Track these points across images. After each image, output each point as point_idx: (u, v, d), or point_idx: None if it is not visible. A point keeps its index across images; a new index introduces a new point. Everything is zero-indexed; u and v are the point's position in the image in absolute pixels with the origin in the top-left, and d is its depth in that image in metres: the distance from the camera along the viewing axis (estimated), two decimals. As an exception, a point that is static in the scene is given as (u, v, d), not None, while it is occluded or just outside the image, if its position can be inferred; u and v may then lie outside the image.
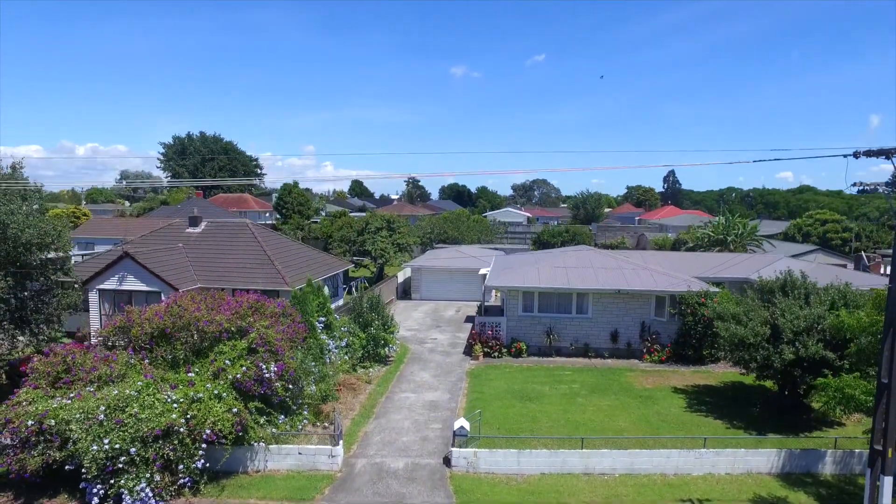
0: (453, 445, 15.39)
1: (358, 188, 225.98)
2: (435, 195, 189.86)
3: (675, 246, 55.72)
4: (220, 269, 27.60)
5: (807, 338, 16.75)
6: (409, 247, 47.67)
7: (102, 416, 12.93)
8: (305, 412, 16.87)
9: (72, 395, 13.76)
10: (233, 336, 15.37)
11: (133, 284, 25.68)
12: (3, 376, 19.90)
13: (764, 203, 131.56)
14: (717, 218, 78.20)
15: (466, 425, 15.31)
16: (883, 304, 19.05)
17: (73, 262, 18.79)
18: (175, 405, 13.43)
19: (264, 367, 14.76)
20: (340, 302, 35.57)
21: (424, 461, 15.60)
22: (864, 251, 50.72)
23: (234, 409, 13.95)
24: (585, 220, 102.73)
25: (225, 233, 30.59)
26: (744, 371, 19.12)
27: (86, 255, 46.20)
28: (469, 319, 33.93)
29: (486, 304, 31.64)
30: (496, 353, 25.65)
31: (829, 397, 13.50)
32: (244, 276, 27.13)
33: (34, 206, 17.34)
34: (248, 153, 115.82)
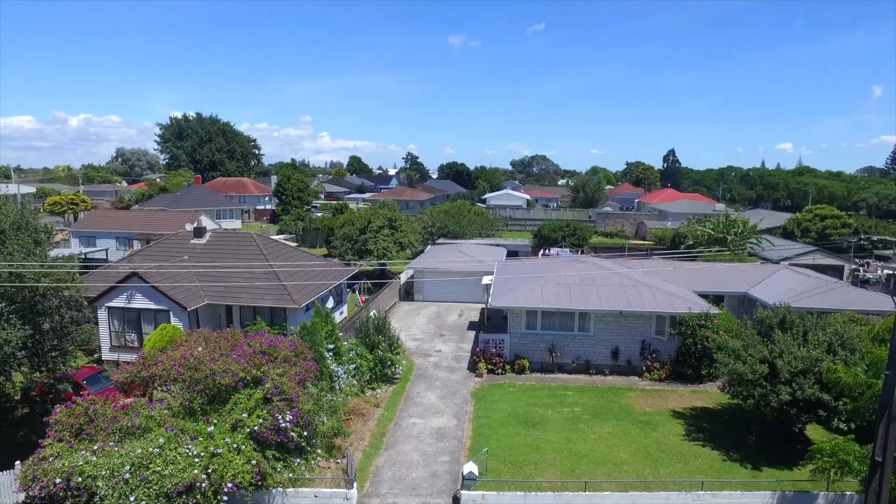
0: (462, 488, 16.04)
1: (356, 164, 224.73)
2: (434, 170, 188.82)
3: (675, 241, 56.10)
4: (228, 286, 27.90)
5: (803, 380, 17.31)
6: (412, 244, 47.96)
7: (128, 474, 13.45)
8: (319, 450, 17.48)
9: (95, 447, 14.27)
10: (248, 384, 15.84)
11: (141, 303, 26.09)
12: (22, 406, 20.45)
13: (763, 184, 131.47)
14: (717, 206, 78.47)
15: (475, 470, 15.94)
16: (879, 335, 19.59)
17: (84, 297, 19.00)
18: (196, 460, 13.97)
19: (280, 417, 15.28)
20: (345, 309, 36.11)
21: (434, 501, 16.28)
22: (859, 254, 51.23)
23: (254, 461, 14.51)
24: (585, 203, 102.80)
25: (230, 245, 30.81)
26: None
27: (88, 252, 46.45)
28: (472, 326, 34.52)
29: (488, 307, 31.93)
30: (499, 370, 26.26)
31: (823, 462, 14.08)
32: (251, 293, 27.50)
33: (49, 252, 17.50)
34: (245, 133, 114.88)
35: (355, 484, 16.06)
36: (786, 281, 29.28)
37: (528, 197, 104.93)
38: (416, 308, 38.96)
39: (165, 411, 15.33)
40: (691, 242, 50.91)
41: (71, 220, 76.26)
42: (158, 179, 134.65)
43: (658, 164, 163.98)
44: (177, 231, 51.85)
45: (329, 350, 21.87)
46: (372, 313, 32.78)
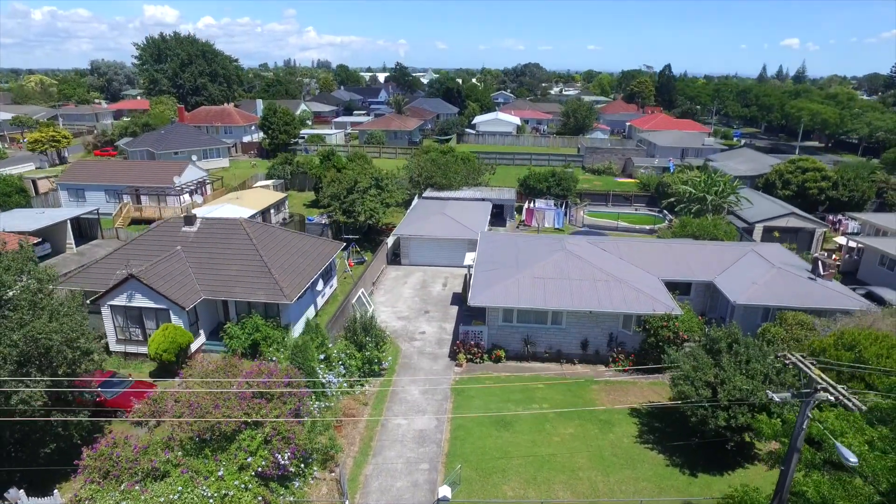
0: (440, 500, 18.82)
1: (343, 74, 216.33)
2: (424, 70, 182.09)
3: (659, 190, 57.19)
4: (222, 279, 29.37)
5: (738, 409, 19.74)
6: (399, 203, 48.90)
7: (154, 517, 15.93)
8: (315, 467, 20.09)
9: (122, 486, 16.66)
10: (249, 426, 18.02)
11: (141, 301, 27.69)
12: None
13: (758, 105, 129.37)
14: (707, 140, 78.24)
15: (448, 493, 18.64)
16: (819, 356, 21.90)
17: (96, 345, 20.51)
18: (211, 501, 16.43)
19: (280, 455, 17.62)
20: (334, 281, 37.90)
21: (415, 514, 19.17)
22: (834, 211, 52.60)
23: (260, 497, 17.02)
24: (575, 129, 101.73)
25: (220, 232, 31.79)
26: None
27: (80, 211, 47.00)
28: (455, 299, 36.61)
29: (468, 304, 33.05)
30: (478, 359, 28.71)
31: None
32: (245, 287, 29.05)
33: (61, 308, 18.77)
34: (226, 53, 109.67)
35: (347, 502, 18.78)
36: (749, 270, 31.13)
37: (518, 122, 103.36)
38: (402, 275, 40.84)
39: (179, 452, 17.58)
40: (672, 200, 52.14)
41: (54, 158, 75.45)
42: (139, 97, 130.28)
43: (657, 65, 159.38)
44: (164, 183, 52.30)
45: (321, 360, 23.96)
46: (360, 292, 34.76)
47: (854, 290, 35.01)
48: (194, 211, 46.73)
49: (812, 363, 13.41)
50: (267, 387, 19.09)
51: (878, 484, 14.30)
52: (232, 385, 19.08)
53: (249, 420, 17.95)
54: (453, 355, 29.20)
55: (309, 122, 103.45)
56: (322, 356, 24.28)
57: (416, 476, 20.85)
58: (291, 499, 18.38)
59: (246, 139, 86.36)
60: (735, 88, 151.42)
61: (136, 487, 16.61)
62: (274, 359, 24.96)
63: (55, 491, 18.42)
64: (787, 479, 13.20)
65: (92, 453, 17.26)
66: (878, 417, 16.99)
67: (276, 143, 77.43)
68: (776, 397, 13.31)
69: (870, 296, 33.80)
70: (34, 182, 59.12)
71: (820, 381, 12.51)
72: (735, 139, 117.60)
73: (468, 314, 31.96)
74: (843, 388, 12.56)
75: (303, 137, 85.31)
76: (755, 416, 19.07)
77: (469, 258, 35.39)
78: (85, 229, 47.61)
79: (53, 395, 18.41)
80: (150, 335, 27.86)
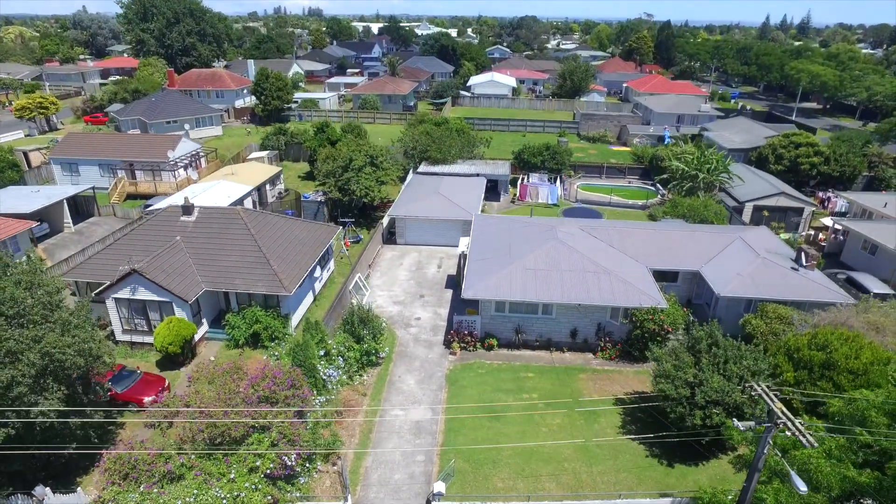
0: (434, 496, 20.35)
1: (335, 26, 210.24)
2: (420, 17, 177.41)
3: (653, 164, 57.53)
4: (222, 270, 30.12)
5: (714, 409, 21.12)
6: (394, 179, 49.18)
7: (173, 517, 17.33)
8: (318, 463, 21.52)
9: (141, 488, 18.00)
10: (257, 430, 19.25)
11: (145, 295, 28.50)
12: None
13: (758, 65, 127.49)
14: (703, 106, 77.84)
15: (443, 489, 20.13)
16: (794, 354, 23.22)
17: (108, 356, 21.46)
18: (224, 501, 17.80)
19: (286, 458, 18.94)
20: (331, 264, 38.73)
21: (412, 505, 20.75)
22: (824, 187, 53.20)
23: (269, 496, 18.43)
24: (572, 91, 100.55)
25: (218, 222, 32.29)
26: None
27: (76, 189, 47.10)
28: (450, 283, 37.61)
29: (462, 297, 33.47)
30: (471, 348, 29.97)
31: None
32: (245, 279, 29.83)
33: (72, 319, 19.58)
34: (214, 7, 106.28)
35: (350, 498, 20.28)
36: (735, 259, 32.10)
37: (513, 83, 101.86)
38: (398, 255, 41.69)
39: (192, 456, 18.85)
40: (665, 176, 52.60)
41: (43, 126, 74.49)
42: (125, 54, 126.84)
43: (657, 12, 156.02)
44: (159, 157, 52.19)
45: (321, 357, 25.10)
46: (357, 277, 35.70)
47: (835, 274, 36.26)
48: (190, 187, 47.14)
49: (776, 393, 14.55)
50: (271, 391, 20.23)
51: (831, 490, 15.77)
52: (238, 389, 20.22)
53: (257, 425, 19.16)
54: (448, 343, 30.41)
55: (302, 84, 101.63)
56: (322, 352, 25.39)
57: (413, 468, 22.35)
58: (298, 494, 19.83)
59: (238, 103, 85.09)
60: (735, 46, 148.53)
61: (154, 490, 17.94)
62: (276, 354, 26.13)
63: (78, 488, 19.79)
64: (749, 493, 14.55)
65: (112, 457, 18.49)
66: (836, 421, 18.45)
67: (269, 110, 76.55)
68: (740, 426, 14.53)
69: (850, 281, 35.04)
70: (26, 155, 58.78)
71: (780, 415, 13.67)
72: (733, 101, 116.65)
73: (462, 303, 32.99)
74: (800, 423, 13.73)
75: (296, 102, 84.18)
76: (727, 419, 20.47)
77: (463, 244, 36.16)
78: (81, 206, 47.81)
79: (70, 399, 19.50)
80: (154, 326, 28.89)
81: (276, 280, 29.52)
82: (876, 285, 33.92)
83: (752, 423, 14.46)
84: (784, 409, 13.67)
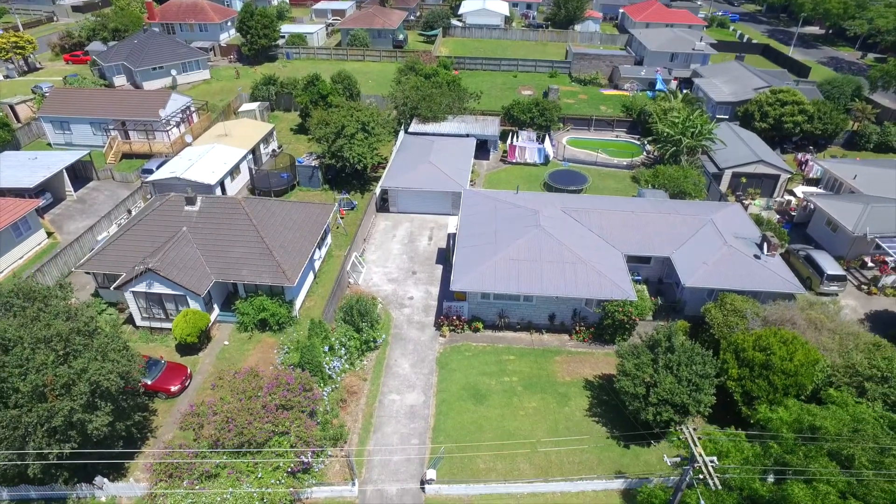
0: (426, 481, 24.41)
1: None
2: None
3: (641, 118, 58.39)
4: (229, 262, 32.51)
5: (663, 407, 24.85)
6: (387, 139, 50.23)
7: (216, 509, 21.24)
8: (329, 449, 25.39)
9: (184, 483, 21.77)
10: (276, 434, 22.80)
11: (160, 289, 31.12)
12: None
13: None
14: (698, 44, 76.71)
15: (434, 475, 24.14)
16: (740, 353, 26.76)
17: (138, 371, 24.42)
18: (255, 495, 21.67)
19: (303, 457, 22.65)
20: (328, 238, 41.06)
21: (409, 486, 24.86)
22: (805, 146, 54.61)
23: (291, 489, 22.33)
24: (566, 20, 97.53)
25: (221, 212, 34.20)
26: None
27: (73, 157, 47.90)
28: (440, 258, 40.28)
29: (450, 289, 35.83)
30: (460, 330, 33.31)
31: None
32: (251, 270, 32.33)
33: (109, 343, 22.31)
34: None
35: (357, 481, 24.30)
36: (703, 245, 34.78)
37: (506, 12, 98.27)
38: (391, 226, 43.99)
39: (224, 457, 22.48)
40: (651, 138, 53.83)
41: (22, 66, 72.66)
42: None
43: None
44: (151, 116, 52.50)
45: (325, 353, 28.34)
46: (354, 256, 38.27)
47: (797, 251, 39.28)
48: (185, 152, 48.09)
49: (699, 437, 17.91)
50: (286, 399, 23.59)
51: (742, 492, 19.74)
52: (258, 395, 23.55)
53: (277, 430, 22.68)
54: (438, 326, 33.69)
55: (288, 14, 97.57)
56: (326, 348, 28.60)
57: (409, 452, 26.33)
58: (313, 481, 23.79)
59: (223, 38, 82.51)
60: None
61: (197, 487, 21.70)
62: (286, 348, 29.37)
63: (130, 478, 23.61)
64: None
65: (156, 457, 22.09)
66: (760, 427, 22.25)
67: (255, 49, 74.74)
68: (668, 461, 18.07)
69: (808, 259, 38.10)
70: (13, 108, 58.49)
71: (698, 457, 17.07)
72: (732, 26, 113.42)
73: (450, 302, 35.28)
74: (712, 463, 17.20)
75: (283, 37, 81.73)
76: (673, 420, 24.26)
77: (452, 224, 38.46)
78: (79, 170, 48.90)
79: (115, 409, 22.79)
80: (171, 314, 31.80)
81: (279, 271, 32.07)
82: (830, 266, 37.02)
83: (678, 459, 17.98)
84: (702, 454, 17.09)
